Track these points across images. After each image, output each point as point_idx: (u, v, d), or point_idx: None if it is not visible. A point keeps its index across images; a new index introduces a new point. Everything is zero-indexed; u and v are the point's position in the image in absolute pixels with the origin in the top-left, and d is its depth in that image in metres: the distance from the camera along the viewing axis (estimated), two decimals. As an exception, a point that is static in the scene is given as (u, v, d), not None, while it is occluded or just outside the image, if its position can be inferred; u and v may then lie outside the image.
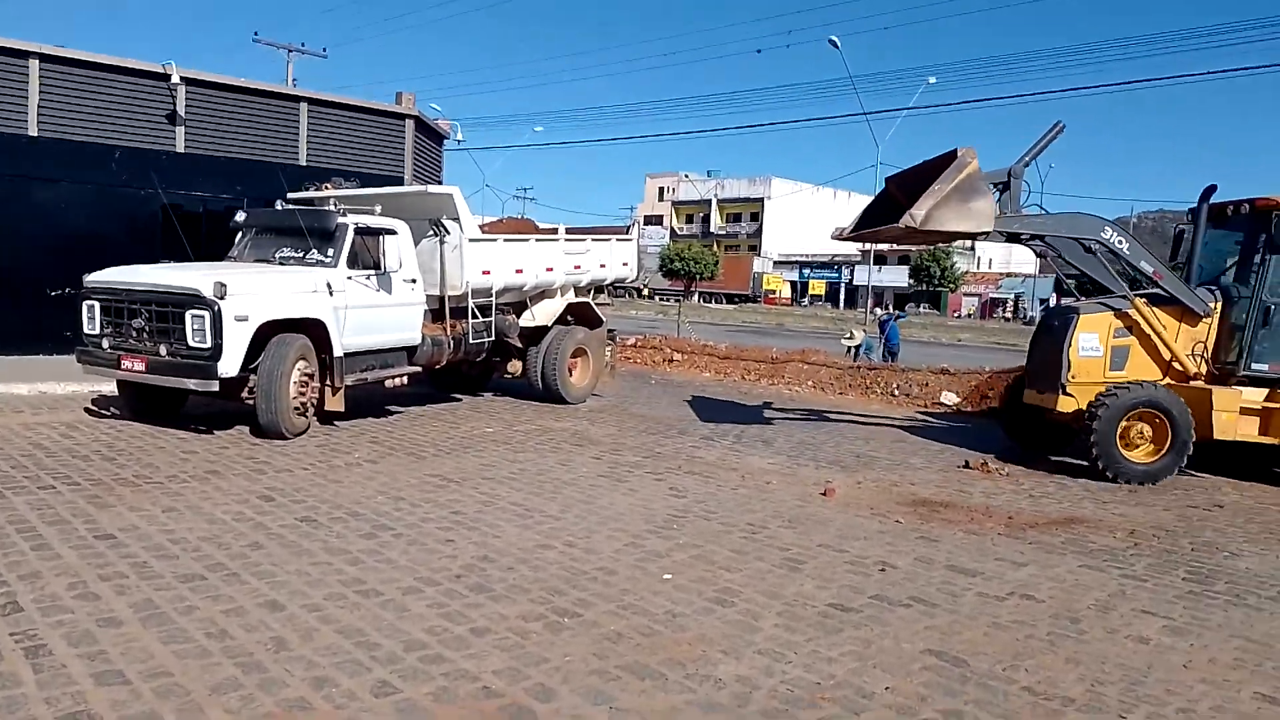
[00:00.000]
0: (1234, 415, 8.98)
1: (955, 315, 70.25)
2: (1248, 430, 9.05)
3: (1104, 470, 8.74)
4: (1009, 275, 76.13)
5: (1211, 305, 9.40)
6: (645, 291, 76.14)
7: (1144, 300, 9.36)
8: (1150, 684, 4.13)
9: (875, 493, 7.87)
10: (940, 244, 11.89)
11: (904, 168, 9.63)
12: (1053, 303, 69.53)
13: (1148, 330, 9.34)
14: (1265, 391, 9.07)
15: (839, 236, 10.36)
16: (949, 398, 14.34)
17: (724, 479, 8.10)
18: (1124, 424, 8.79)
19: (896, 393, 14.90)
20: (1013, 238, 9.56)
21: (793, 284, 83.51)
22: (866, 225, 9.71)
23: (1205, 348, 9.40)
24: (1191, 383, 9.26)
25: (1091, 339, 9.32)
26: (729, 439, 10.26)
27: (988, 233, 8.90)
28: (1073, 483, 8.69)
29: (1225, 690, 4.10)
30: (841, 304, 74.61)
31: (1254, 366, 9.18)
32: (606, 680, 3.89)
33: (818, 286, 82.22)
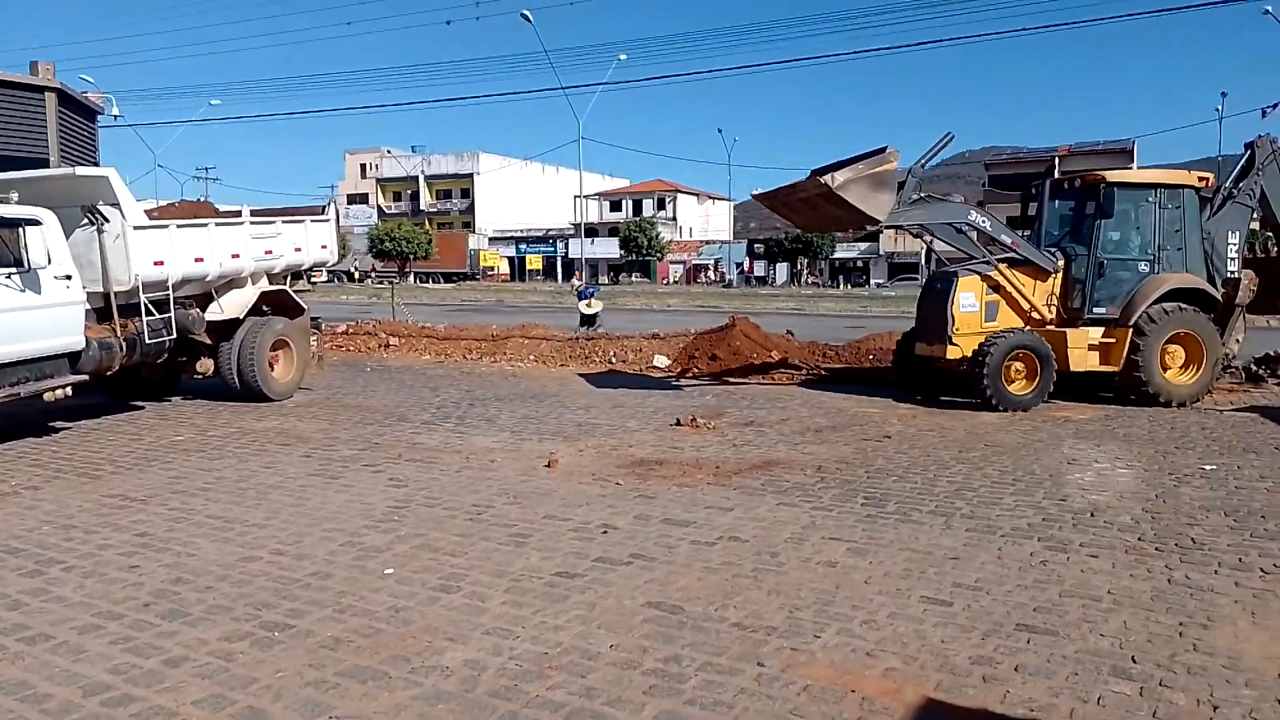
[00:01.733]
0: (1084, 350, 10.91)
1: (665, 282, 74.01)
2: (1093, 362, 10.95)
3: (994, 402, 10.37)
4: (708, 242, 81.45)
5: (1058, 263, 11.23)
6: (355, 275, 72.67)
7: (1005, 264, 11.17)
8: (839, 603, 4.62)
9: (597, 458, 8.11)
10: (830, 231, 13.27)
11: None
12: (746, 265, 75.24)
13: (1010, 288, 11.16)
14: (1102, 330, 10.98)
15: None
16: (661, 360, 15.09)
17: (447, 463, 7.94)
18: (1005, 363, 10.50)
19: (614, 360, 15.43)
20: (895, 226, 11.13)
21: (510, 259, 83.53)
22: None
23: (1054, 298, 11.28)
24: (1048, 327, 11.11)
25: (969, 296, 11.01)
26: (451, 421, 10.08)
27: (877, 223, 10.64)
28: (769, 429, 9.49)
29: (899, 598, 4.69)
30: (559, 277, 75.82)
31: (1095, 310, 11.07)
32: (325, 690, 3.67)
33: (535, 261, 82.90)
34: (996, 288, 11.13)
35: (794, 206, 11.59)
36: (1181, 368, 11.03)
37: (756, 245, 77.45)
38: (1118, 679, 3.76)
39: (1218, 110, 73.88)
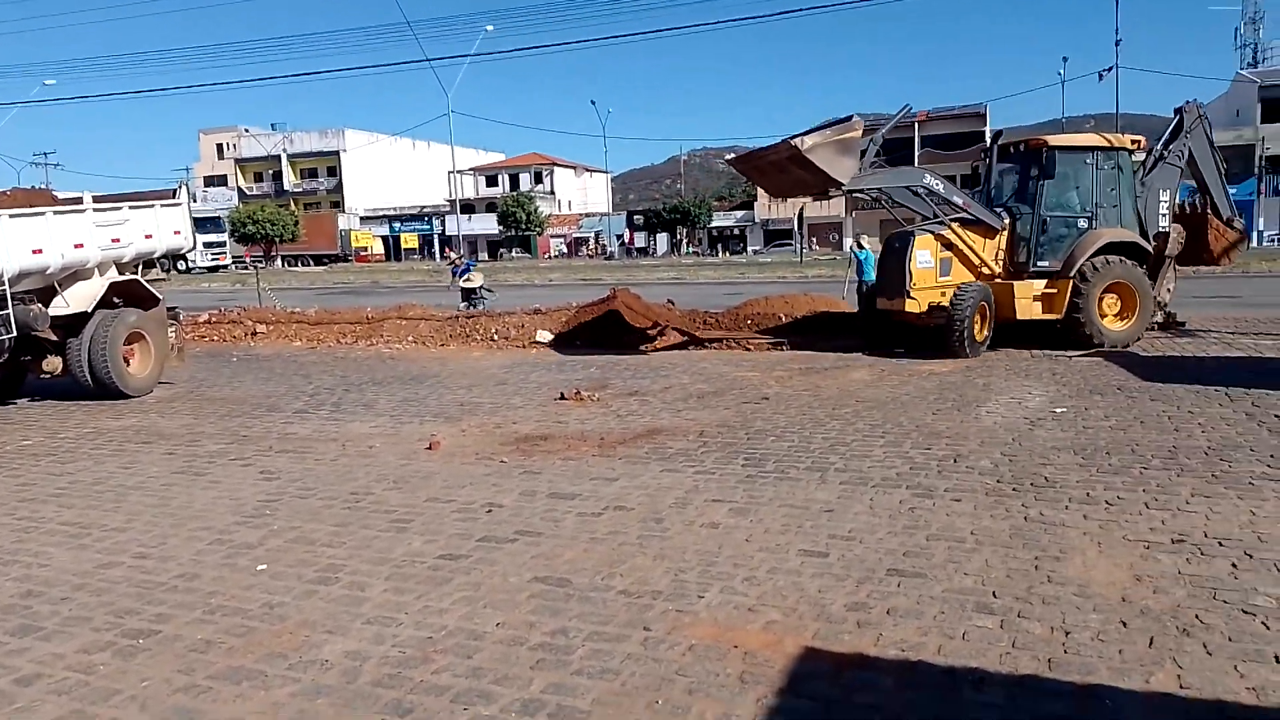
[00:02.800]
0: (1030, 300, 11.85)
1: (546, 256, 73.38)
2: (1038, 311, 11.87)
3: (965, 349, 11.21)
4: (587, 215, 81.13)
5: (1005, 221, 12.06)
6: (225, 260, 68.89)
7: (957, 223, 11.90)
8: (722, 562, 4.72)
9: (480, 437, 8.00)
10: (796, 195, 13.79)
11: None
12: (626, 236, 75.37)
13: (962, 245, 11.90)
14: (1045, 281, 11.85)
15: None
16: (544, 335, 14.99)
17: (322, 451, 7.68)
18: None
19: (496, 337, 15.22)
20: (856, 190, 11.65)
21: (384, 239, 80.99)
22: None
23: (1002, 253, 12.12)
24: (996, 280, 11.96)
25: (925, 254, 11.72)
26: (325, 409, 9.74)
27: (840, 186, 11.08)
28: (652, 398, 9.58)
29: (778, 553, 4.83)
30: (437, 255, 74.08)
31: (1039, 264, 11.95)
32: (195, 695, 3.51)
33: (410, 240, 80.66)
34: (949, 245, 11.85)
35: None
36: (1118, 315, 11.94)
37: (636, 216, 77.65)
38: (980, 614, 3.98)
39: (1060, 74, 78.31)
